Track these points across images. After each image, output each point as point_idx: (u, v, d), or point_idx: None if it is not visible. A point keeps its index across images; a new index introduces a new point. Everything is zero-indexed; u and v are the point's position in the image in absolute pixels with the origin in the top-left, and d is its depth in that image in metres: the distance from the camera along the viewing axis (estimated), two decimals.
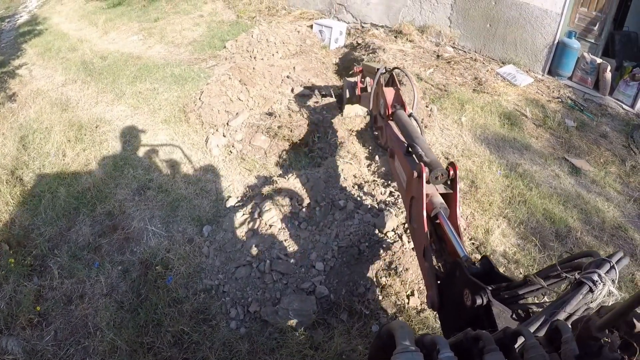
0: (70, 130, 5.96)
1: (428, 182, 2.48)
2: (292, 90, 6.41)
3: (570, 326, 1.29)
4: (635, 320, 1.12)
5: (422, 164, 2.50)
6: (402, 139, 3.15)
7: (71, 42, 9.45)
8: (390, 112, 3.54)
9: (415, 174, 2.48)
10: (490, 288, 1.78)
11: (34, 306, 3.80)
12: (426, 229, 2.40)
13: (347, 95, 5.32)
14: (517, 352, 1.32)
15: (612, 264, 1.45)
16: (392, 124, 3.50)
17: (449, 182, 2.58)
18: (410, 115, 3.40)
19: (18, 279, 4.01)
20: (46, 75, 8.05)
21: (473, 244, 4.14)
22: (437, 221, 2.49)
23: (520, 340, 1.32)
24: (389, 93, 3.67)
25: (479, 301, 1.76)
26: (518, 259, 4.01)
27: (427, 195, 2.47)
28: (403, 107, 3.53)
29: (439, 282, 2.32)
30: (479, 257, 4.02)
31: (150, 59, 8.04)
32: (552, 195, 4.76)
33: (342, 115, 5.74)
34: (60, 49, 9.14)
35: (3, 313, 3.76)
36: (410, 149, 2.87)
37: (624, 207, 4.80)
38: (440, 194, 2.55)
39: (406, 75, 4.01)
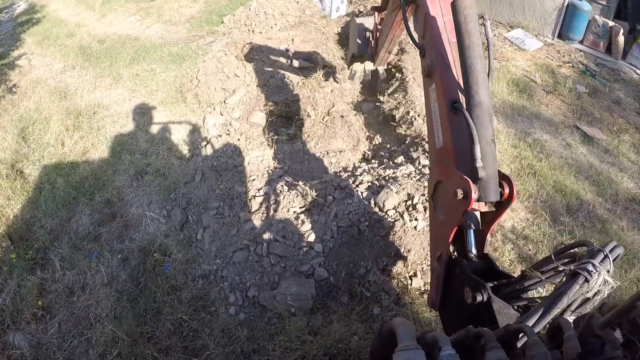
0: (68, 118, 5.88)
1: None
2: (291, 62, 6.22)
3: (572, 323, 1.27)
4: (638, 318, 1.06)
5: (470, 181, 1.75)
6: (450, 60, 2.07)
7: (69, 28, 9.28)
8: None
9: (460, 194, 1.77)
10: (490, 285, 1.77)
11: (37, 300, 3.79)
12: (451, 239, 2.00)
13: (358, 44, 4.21)
14: (519, 349, 1.32)
15: (605, 254, 1.44)
16: (438, 12, 2.22)
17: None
18: (483, 22, 2.09)
19: (21, 274, 4.00)
20: (45, 63, 7.94)
21: None
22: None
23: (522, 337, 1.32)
24: None
25: (479, 298, 1.74)
26: (527, 235, 3.86)
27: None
28: None
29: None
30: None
31: (148, 39, 7.87)
32: (563, 166, 4.56)
33: (348, 68, 4.85)
34: (59, 35, 8.99)
35: (9, 308, 3.77)
36: (456, 107, 1.96)
37: (639, 177, 4.57)
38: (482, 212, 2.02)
39: None
